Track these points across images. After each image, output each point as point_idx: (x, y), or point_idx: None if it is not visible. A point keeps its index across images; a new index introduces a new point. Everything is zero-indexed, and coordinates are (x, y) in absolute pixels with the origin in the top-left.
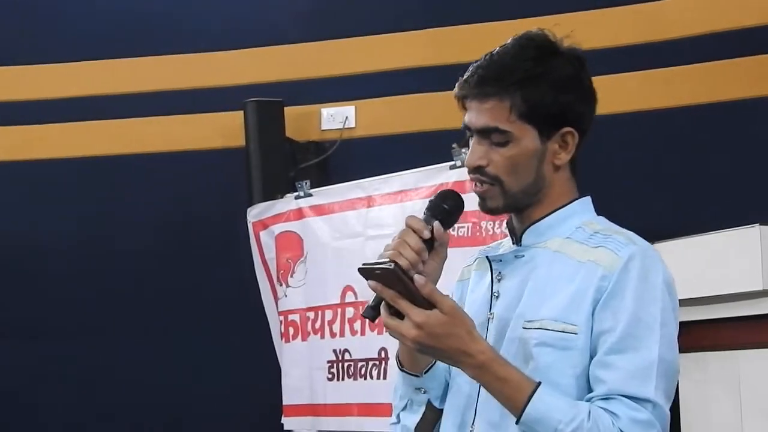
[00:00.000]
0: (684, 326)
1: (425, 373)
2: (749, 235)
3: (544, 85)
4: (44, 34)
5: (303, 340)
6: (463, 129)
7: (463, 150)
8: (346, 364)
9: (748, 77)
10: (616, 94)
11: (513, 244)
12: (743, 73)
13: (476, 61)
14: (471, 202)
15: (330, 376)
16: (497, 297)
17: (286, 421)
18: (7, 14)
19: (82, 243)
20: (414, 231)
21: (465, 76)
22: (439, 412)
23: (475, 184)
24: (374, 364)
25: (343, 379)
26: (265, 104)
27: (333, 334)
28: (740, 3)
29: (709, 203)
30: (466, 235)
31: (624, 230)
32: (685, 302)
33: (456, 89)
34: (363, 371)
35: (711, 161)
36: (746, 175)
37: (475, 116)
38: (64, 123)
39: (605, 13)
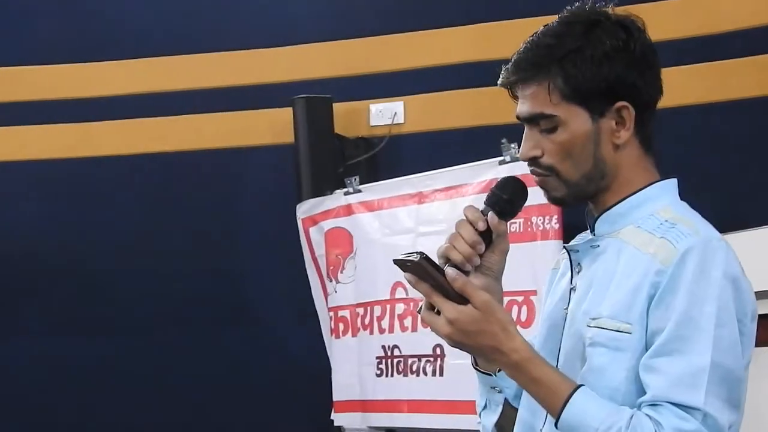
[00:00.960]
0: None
1: (499, 371)
2: None
3: (584, 60)
4: (98, 33)
5: (353, 335)
6: (519, 121)
7: (512, 145)
8: (395, 360)
9: None
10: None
11: (590, 232)
12: None
13: (521, 46)
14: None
15: (378, 372)
16: (574, 290)
17: (336, 417)
18: (63, 14)
19: (139, 238)
20: (469, 222)
21: (509, 64)
22: (515, 411)
23: (536, 175)
24: (428, 361)
25: (392, 375)
26: (314, 100)
27: (381, 330)
28: None
29: None
30: (517, 231)
31: (696, 219)
32: (764, 294)
33: (502, 77)
34: (415, 367)
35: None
36: None
37: (520, 104)
38: (116, 120)
39: (658, 6)
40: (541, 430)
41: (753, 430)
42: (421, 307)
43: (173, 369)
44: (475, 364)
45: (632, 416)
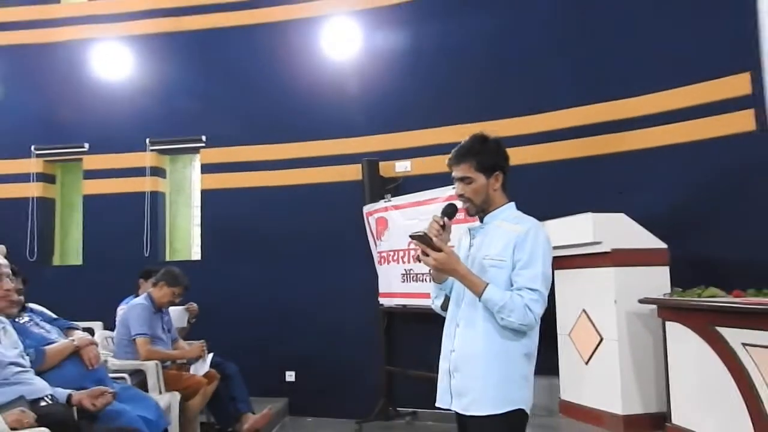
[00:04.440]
0: (558, 258)
1: (442, 282)
2: (587, 217)
3: (484, 155)
4: (280, 125)
5: (387, 264)
6: (453, 179)
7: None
8: (411, 275)
9: (590, 148)
10: (525, 155)
11: (480, 222)
12: (586, 146)
13: (455, 148)
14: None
15: (403, 280)
16: (472, 246)
17: (381, 300)
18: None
19: (296, 219)
20: (435, 221)
21: (450, 156)
22: (449, 298)
23: (462, 203)
24: (426, 275)
25: (410, 282)
26: (371, 161)
27: (404, 262)
28: (583, 115)
29: (570, 204)
30: (463, 218)
31: (527, 216)
32: (559, 247)
33: (447, 161)
34: (420, 278)
35: (571, 187)
36: (588, 191)
37: (456, 173)
38: (281, 170)
39: (525, 119)
40: (461, 302)
41: (564, 309)
42: (418, 256)
43: (306, 281)
44: (433, 280)
45: (511, 294)
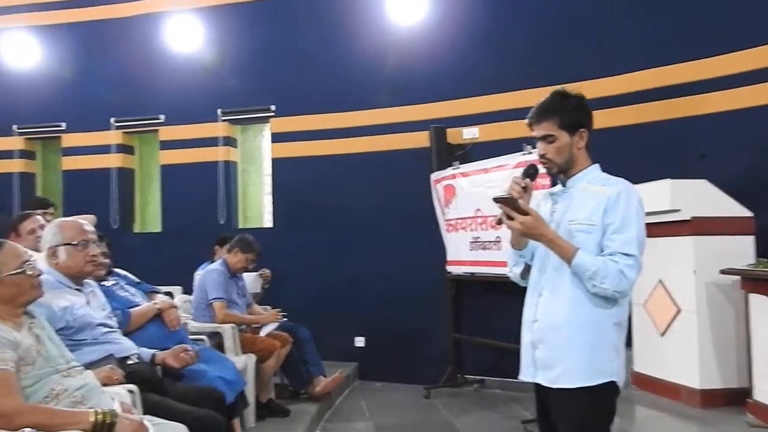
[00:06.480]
0: None
1: (522, 248)
2: (666, 183)
3: (566, 111)
4: (338, 94)
5: (455, 232)
6: (534, 139)
7: (527, 146)
8: (479, 243)
9: (668, 111)
10: (597, 120)
11: (562, 186)
12: (663, 109)
13: (534, 105)
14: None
15: (471, 248)
16: (554, 212)
17: (449, 268)
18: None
19: (362, 187)
20: (516, 182)
21: (530, 114)
22: (530, 267)
23: (542, 163)
24: (493, 243)
25: (478, 250)
26: (438, 128)
27: (472, 230)
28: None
29: (647, 170)
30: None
31: (616, 177)
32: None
33: (527, 120)
34: (488, 246)
35: (648, 153)
36: (665, 158)
37: (537, 131)
38: (352, 138)
39: (596, 82)
40: (546, 268)
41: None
42: (499, 219)
43: (375, 248)
44: (512, 245)
45: (604, 260)
